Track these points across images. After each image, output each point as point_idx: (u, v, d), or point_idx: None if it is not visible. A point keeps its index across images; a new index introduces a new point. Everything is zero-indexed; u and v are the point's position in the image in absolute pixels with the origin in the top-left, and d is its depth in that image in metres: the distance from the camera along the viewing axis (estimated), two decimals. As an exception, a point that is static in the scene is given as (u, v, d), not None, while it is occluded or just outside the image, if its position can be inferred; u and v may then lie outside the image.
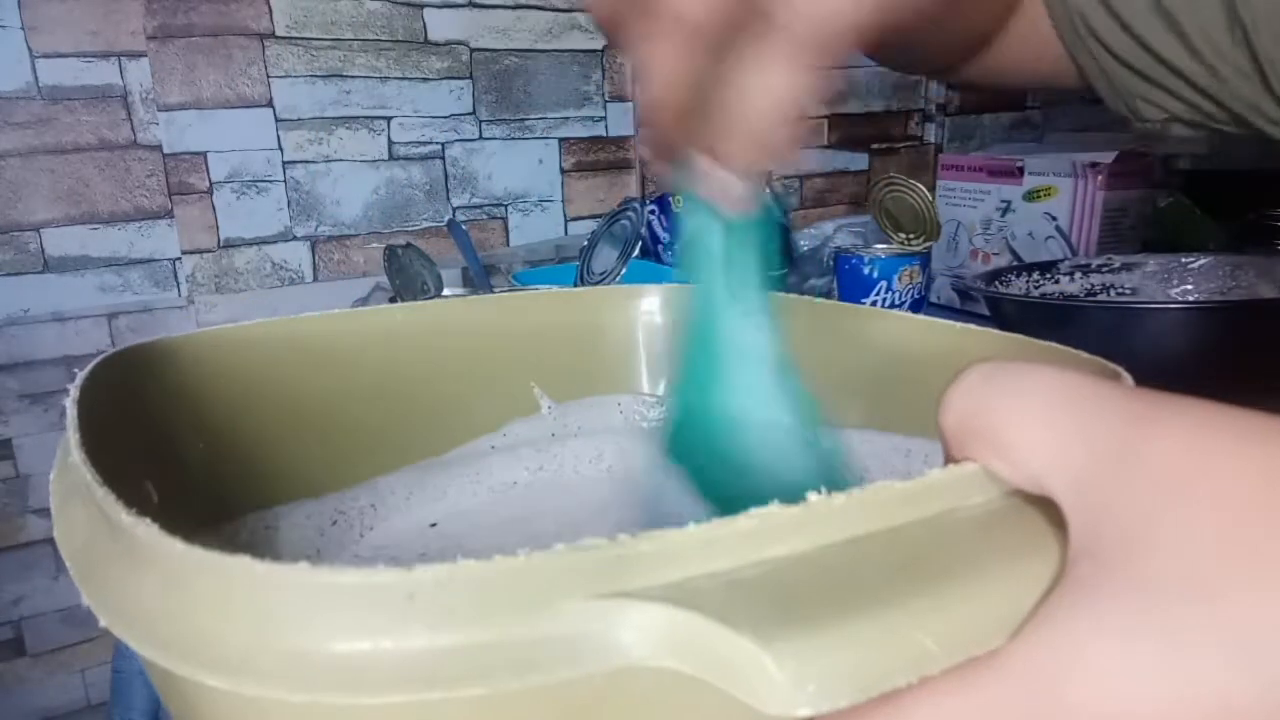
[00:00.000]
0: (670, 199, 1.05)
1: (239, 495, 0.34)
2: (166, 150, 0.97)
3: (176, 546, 0.15)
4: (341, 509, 0.37)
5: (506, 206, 1.15)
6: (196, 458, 0.33)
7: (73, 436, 0.21)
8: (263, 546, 0.34)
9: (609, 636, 0.13)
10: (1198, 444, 0.14)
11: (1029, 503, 0.17)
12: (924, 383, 0.34)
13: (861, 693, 0.13)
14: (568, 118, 1.16)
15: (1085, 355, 0.27)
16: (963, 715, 0.14)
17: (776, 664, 0.12)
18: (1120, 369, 0.24)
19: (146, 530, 0.15)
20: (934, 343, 0.35)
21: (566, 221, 1.18)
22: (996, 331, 0.32)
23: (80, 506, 0.18)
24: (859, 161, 1.38)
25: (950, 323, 0.35)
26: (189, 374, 0.33)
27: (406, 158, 1.08)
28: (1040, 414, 0.16)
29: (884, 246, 0.87)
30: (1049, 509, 0.16)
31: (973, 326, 0.33)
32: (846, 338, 0.39)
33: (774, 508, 0.15)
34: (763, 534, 0.15)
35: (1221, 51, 0.38)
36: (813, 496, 0.15)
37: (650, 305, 0.45)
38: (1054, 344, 0.29)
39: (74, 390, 0.24)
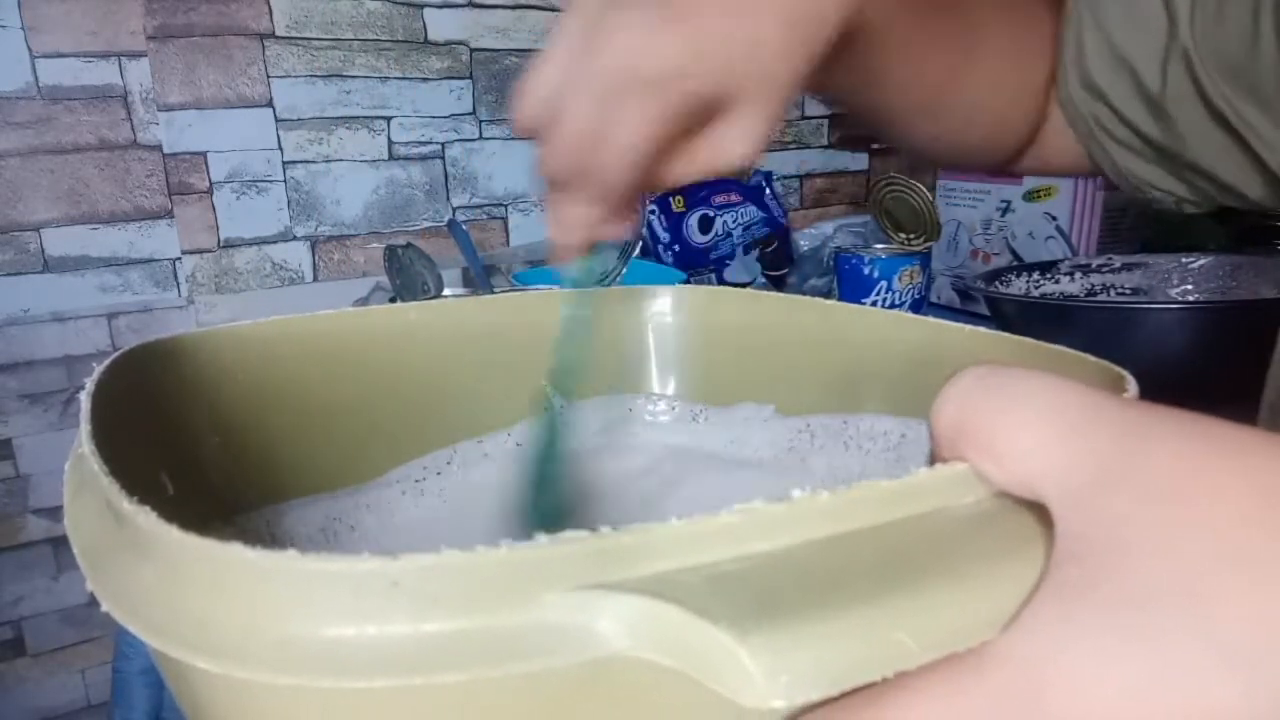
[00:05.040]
0: (671, 199, 1.05)
1: (254, 489, 0.35)
2: (166, 150, 0.97)
3: (173, 534, 0.15)
4: (353, 504, 0.37)
5: (506, 206, 1.15)
6: (211, 452, 0.33)
7: (84, 428, 0.21)
8: (273, 539, 0.34)
9: (589, 627, 0.13)
10: (1189, 456, 0.14)
11: (1017, 505, 0.17)
12: (929, 387, 0.34)
13: (835, 686, 0.13)
14: (568, 118, 1.16)
15: (1091, 359, 0.27)
16: (942, 717, 0.14)
17: (751, 656, 0.12)
18: (1125, 373, 0.24)
19: (146, 518, 0.15)
20: (939, 344, 0.35)
21: (566, 222, 1.18)
22: (1003, 334, 0.32)
23: (89, 497, 0.19)
24: (859, 161, 1.38)
25: (957, 324, 0.34)
26: (205, 370, 0.33)
27: (406, 158, 1.08)
28: (1034, 419, 0.16)
29: (884, 246, 0.87)
30: (1037, 512, 0.16)
31: (981, 329, 0.33)
32: (850, 339, 0.39)
33: (758, 504, 0.15)
34: (745, 529, 0.15)
35: (1206, 137, 0.40)
36: (796, 493, 0.15)
37: (662, 306, 0.45)
38: (1060, 347, 0.29)
39: (90, 384, 0.24)
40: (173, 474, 0.28)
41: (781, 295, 0.43)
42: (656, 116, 0.30)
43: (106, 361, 0.26)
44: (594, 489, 0.41)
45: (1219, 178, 0.41)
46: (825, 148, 1.34)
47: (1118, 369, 0.25)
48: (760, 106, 0.31)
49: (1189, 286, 0.79)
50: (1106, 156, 0.45)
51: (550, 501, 0.33)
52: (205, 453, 0.33)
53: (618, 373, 0.45)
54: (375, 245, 1.08)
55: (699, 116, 0.32)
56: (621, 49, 0.30)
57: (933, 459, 0.18)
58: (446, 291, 0.84)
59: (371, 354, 0.39)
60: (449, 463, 0.41)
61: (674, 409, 0.44)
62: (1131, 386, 0.23)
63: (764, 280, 1.08)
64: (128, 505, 0.16)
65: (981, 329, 0.33)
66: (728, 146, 0.32)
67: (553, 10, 1.12)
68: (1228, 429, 0.15)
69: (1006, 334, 0.32)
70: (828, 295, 0.95)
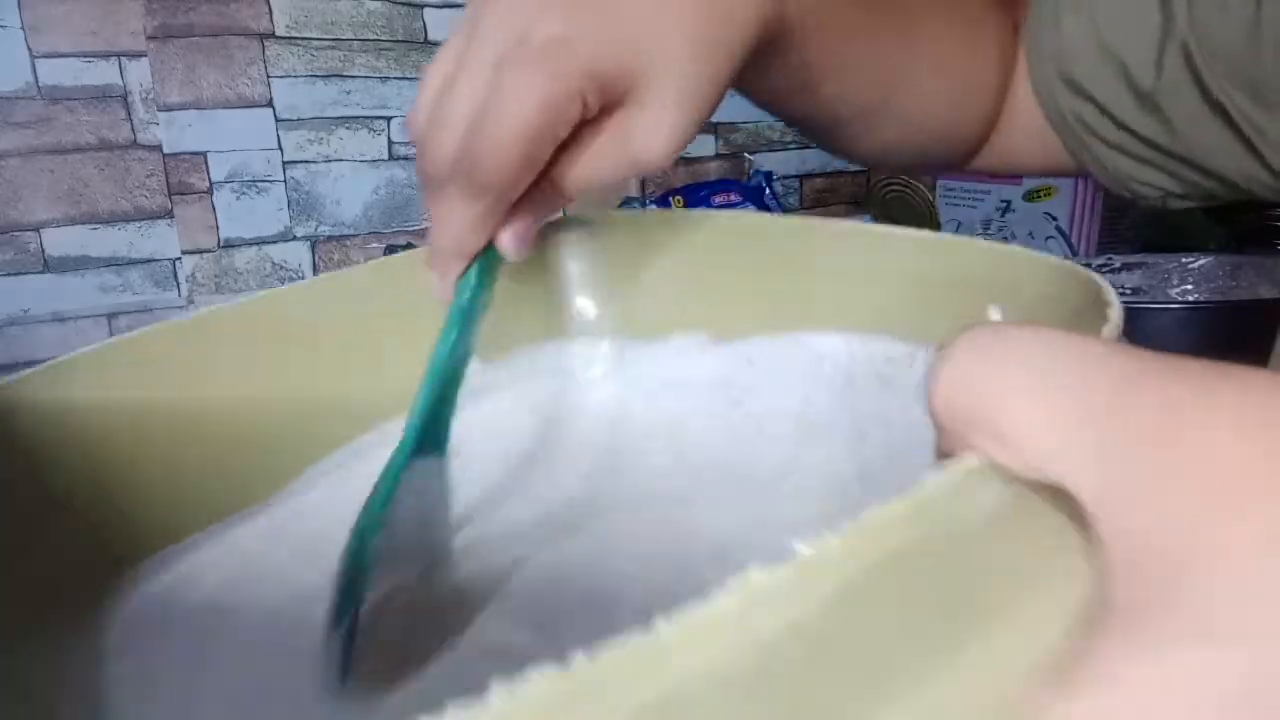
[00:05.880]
0: (670, 198, 1.05)
1: (148, 534, 0.33)
2: (166, 150, 0.97)
3: None
4: (258, 527, 0.35)
5: (506, 206, 1.15)
6: (86, 508, 0.31)
7: None
8: (189, 584, 0.32)
9: None
10: (1230, 430, 0.13)
11: (1040, 495, 0.14)
12: (875, 298, 0.32)
13: None
14: (568, 117, 1.16)
15: (1070, 265, 0.25)
16: None
17: None
18: (1103, 283, 0.22)
19: None
20: (884, 258, 0.33)
21: (567, 221, 1.18)
22: (956, 237, 0.29)
23: None
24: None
25: (904, 230, 0.33)
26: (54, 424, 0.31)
27: (407, 158, 1.08)
28: (1032, 390, 0.14)
29: (884, 247, 0.86)
30: (1061, 497, 0.14)
31: (928, 234, 0.31)
32: (790, 259, 0.37)
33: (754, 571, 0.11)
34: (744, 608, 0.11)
35: (1203, 129, 0.40)
36: (800, 547, 0.12)
37: (576, 237, 0.41)
38: (1031, 251, 0.27)
39: None
40: (50, 540, 0.27)
41: (704, 211, 0.41)
42: (543, 90, 0.27)
43: None
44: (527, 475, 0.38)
45: (1212, 169, 0.41)
46: (825, 147, 1.34)
47: (1097, 277, 0.23)
48: (673, 94, 0.28)
49: (1189, 286, 0.79)
50: (1089, 154, 0.44)
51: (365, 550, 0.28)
52: (80, 510, 0.31)
53: (538, 317, 0.42)
54: (375, 245, 1.08)
55: (597, 99, 0.28)
56: (509, 22, 0.28)
57: (937, 450, 0.16)
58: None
59: (220, 360, 0.36)
60: (356, 455, 0.38)
61: (603, 349, 0.42)
62: (1114, 303, 0.21)
63: (764, 280, 1.08)
64: None
65: (929, 234, 0.31)
66: (641, 139, 0.28)
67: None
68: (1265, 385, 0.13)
69: (958, 237, 0.29)
70: (828, 295, 0.94)
